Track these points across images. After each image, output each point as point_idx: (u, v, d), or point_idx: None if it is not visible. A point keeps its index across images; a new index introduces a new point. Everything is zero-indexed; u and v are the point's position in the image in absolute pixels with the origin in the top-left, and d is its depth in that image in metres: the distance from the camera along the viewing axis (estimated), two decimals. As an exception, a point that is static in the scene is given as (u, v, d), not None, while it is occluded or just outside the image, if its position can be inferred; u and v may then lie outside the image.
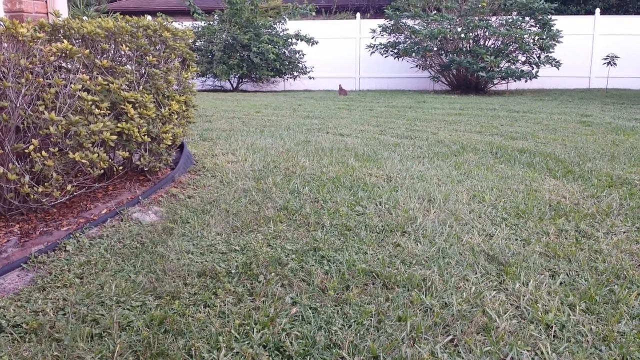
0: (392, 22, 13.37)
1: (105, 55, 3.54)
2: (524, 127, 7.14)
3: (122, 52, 3.64)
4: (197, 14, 14.48)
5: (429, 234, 3.08)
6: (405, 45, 13.20)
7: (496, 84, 13.54)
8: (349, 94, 13.00)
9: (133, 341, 2.02)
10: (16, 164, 2.91)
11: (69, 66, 3.32)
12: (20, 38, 2.95)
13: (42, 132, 2.96)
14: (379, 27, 13.61)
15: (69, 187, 3.10)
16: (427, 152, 5.34)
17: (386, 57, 13.78)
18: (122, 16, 3.97)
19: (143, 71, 3.76)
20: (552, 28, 12.57)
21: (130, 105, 3.46)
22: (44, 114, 2.92)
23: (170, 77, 3.88)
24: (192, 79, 4.47)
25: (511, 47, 12.58)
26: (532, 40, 12.46)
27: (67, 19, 3.51)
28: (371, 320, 2.17)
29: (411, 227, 3.18)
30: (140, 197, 3.53)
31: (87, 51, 3.30)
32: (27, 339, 2.04)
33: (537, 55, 12.68)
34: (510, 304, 2.31)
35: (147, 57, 3.73)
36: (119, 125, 3.39)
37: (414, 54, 13.14)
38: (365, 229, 3.14)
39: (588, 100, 10.92)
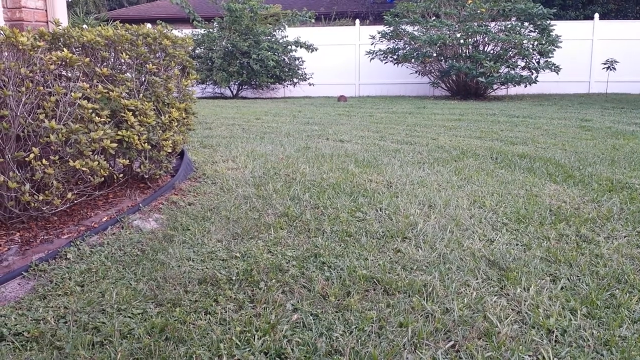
0: (392, 28, 13.39)
1: (105, 64, 3.56)
2: (524, 132, 7.15)
3: (122, 60, 3.65)
4: (196, 21, 14.51)
5: (430, 239, 3.07)
6: (405, 51, 13.21)
7: (496, 89, 13.55)
8: (349, 100, 13.02)
9: (134, 349, 2.02)
10: (17, 172, 2.91)
11: (69, 74, 3.33)
12: (20, 47, 2.96)
13: (42, 141, 2.97)
14: (379, 33, 13.63)
15: (69, 195, 3.11)
16: (427, 157, 5.35)
17: (386, 63, 13.80)
18: (122, 24, 3.98)
19: (143, 79, 3.78)
20: (551, 33, 12.61)
21: (131, 113, 3.47)
22: (44, 122, 2.93)
23: (170, 84, 3.90)
24: (192, 86, 4.48)
25: (510, 52, 12.61)
26: (531, 46, 12.49)
27: (67, 27, 3.53)
28: (372, 326, 2.17)
29: (412, 232, 3.18)
30: (140, 205, 3.54)
31: (87, 59, 3.32)
32: (28, 347, 2.04)
33: (537, 60, 12.70)
34: (512, 309, 2.31)
35: (147, 65, 3.74)
36: (119, 133, 3.40)
37: (413, 60, 13.16)
38: (366, 235, 3.14)
39: (588, 105, 10.93)
